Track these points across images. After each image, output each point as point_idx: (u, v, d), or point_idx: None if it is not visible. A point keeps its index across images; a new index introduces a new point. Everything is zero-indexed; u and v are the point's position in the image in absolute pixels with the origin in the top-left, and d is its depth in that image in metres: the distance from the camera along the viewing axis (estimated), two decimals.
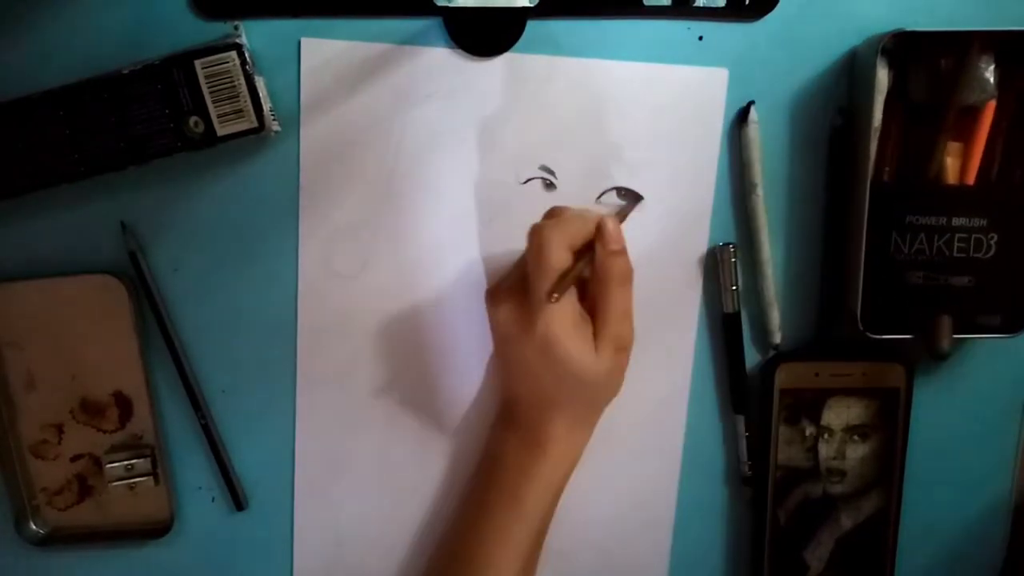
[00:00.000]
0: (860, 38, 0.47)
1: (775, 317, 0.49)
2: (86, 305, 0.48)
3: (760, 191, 0.47)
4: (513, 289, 0.44)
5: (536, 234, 0.42)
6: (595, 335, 0.42)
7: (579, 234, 0.42)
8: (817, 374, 0.48)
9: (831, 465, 0.49)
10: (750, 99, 0.47)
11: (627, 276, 0.43)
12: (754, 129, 0.47)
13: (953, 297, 0.46)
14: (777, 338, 0.49)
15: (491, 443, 0.48)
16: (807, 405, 0.49)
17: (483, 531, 0.45)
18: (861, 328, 0.46)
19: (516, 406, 0.47)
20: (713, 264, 0.49)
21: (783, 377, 0.48)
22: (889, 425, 0.49)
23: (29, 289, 0.47)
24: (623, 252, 0.43)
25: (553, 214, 0.44)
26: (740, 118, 0.47)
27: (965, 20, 0.47)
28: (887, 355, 0.49)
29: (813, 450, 0.49)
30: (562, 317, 0.41)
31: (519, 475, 0.45)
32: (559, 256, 0.41)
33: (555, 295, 0.39)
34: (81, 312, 0.48)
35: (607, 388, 0.45)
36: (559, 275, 0.40)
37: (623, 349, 0.44)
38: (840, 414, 0.49)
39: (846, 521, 0.50)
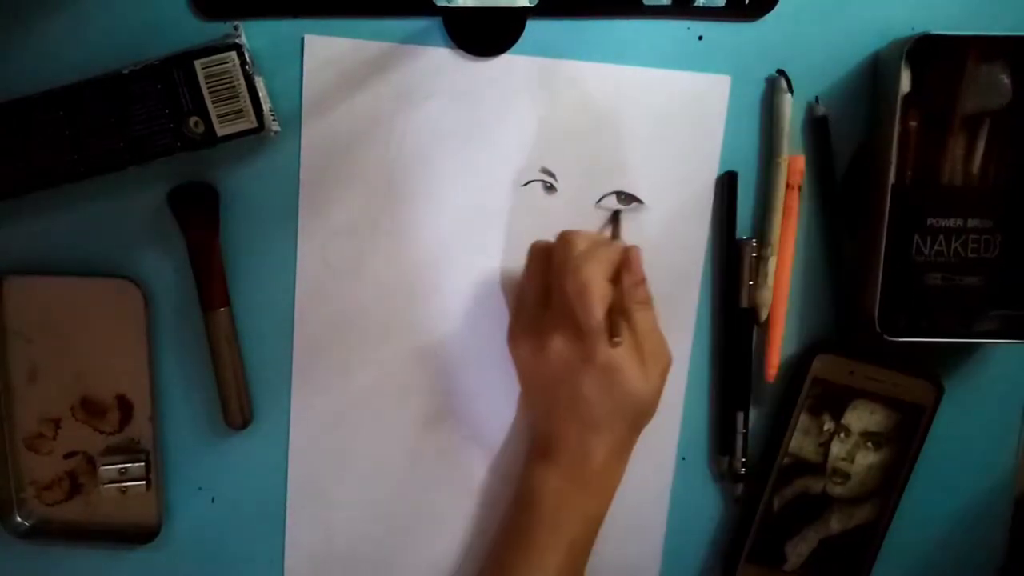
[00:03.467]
0: (861, 37, 0.47)
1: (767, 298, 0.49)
2: (101, 307, 0.48)
3: (783, 160, 0.47)
4: (546, 325, 0.45)
5: (577, 273, 0.42)
6: (640, 358, 0.43)
7: (612, 263, 0.43)
8: (852, 372, 0.48)
9: (838, 465, 0.49)
10: (749, 100, 0.47)
11: (649, 300, 0.45)
12: (785, 100, 0.47)
13: (967, 298, 0.46)
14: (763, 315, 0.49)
15: (529, 478, 0.47)
16: (833, 400, 0.49)
17: (522, 567, 0.45)
18: (878, 330, 0.45)
19: (558, 440, 0.46)
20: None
21: (819, 367, 0.48)
22: (904, 441, 0.49)
23: (46, 284, 0.48)
24: (644, 279, 0.44)
25: (568, 240, 0.44)
26: (771, 88, 0.48)
27: (970, 22, 0.47)
28: (923, 372, 0.49)
29: (825, 446, 0.49)
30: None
31: (561, 509, 0.45)
32: (603, 290, 0.42)
33: (617, 339, 0.42)
34: (94, 313, 0.48)
35: (652, 408, 0.45)
36: (608, 314, 0.41)
37: (665, 370, 0.45)
38: (862, 417, 0.49)
39: (835, 524, 0.50)
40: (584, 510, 0.45)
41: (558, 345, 0.44)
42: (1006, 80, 0.45)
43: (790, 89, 0.47)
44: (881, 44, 0.47)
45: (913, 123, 0.46)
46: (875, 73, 0.47)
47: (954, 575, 0.52)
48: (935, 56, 0.44)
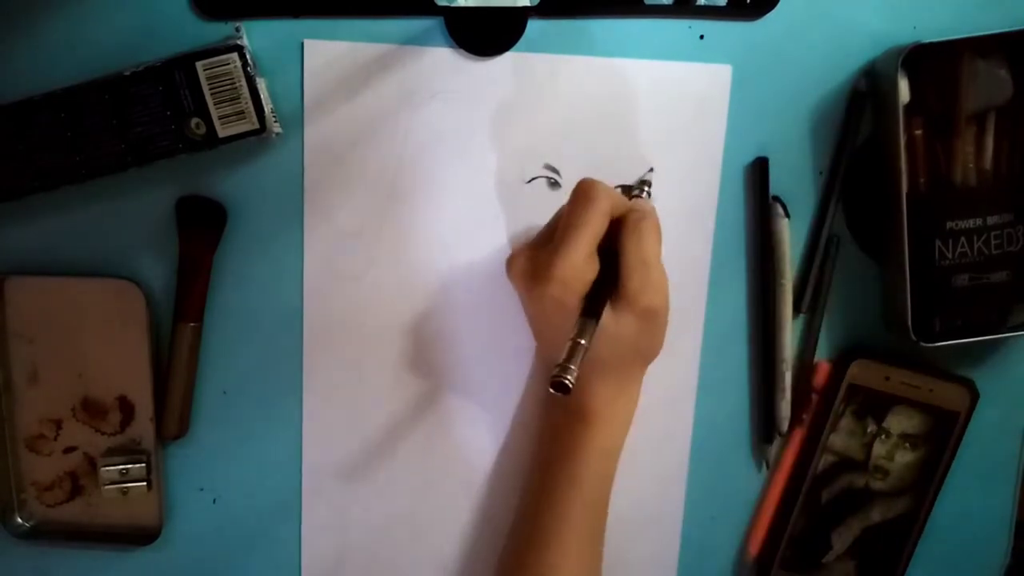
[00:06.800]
0: (863, 35, 0.47)
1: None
2: (102, 307, 0.48)
3: (787, 282, 0.49)
4: (532, 247, 0.43)
5: (585, 181, 0.42)
6: (614, 295, 0.41)
7: (619, 203, 0.42)
8: (888, 378, 0.49)
9: (879, 463, 0.51)
10: (752, 99, 0.47)
11: (646, 229, 0.42)
12: (784, 226, 0.48)
13: (998, 294, 0.47)
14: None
15: (543, 423, 0.49)
16: (877, 406, 0.50)
17: (544, 510, 0.46)
18: (914, 338, 0.46)
19: None
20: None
21: (855, 372, 0.49)
22: (939, 443, 0.50)
23: (47, 285, 0.48)
24: (650, 212, 0.43)
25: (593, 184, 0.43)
26: (764, 213, 0.48)
27: (964, 18, 0.47)
28: (958, 377, 0.50)
29: (869, 446, 0.51)
30: (575, 267, 0.40)
31: (572, 447, 0.45)
32: (604, 207, 0.41)
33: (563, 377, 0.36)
34: (96, 313, 0.48)
35: (637, 351, 0.44)
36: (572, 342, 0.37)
37: (650, 312, 0.42)
38: (901, 422, 0.50)
39: (876, 515, 0.52)
40: (595, 446, 0.45)
41: (520, 267, 0.43)
42: (1005, 75, 0.45)
43: (787, 214, 0.48)
44: (883, 43, 0.47)
45: (918, 131, 0.46)
46: (873, 82, 0.47)
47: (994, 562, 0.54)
48: (931, 61, 0.45)
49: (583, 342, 0.37)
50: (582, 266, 0.40)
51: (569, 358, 0.36)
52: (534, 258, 0.43)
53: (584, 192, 0.41)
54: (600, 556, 0.47)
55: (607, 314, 0.40)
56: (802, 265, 0.49)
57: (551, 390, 0.35)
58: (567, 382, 0.35)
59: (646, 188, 0.47)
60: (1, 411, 0.49)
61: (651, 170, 0.48)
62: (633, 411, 0.47)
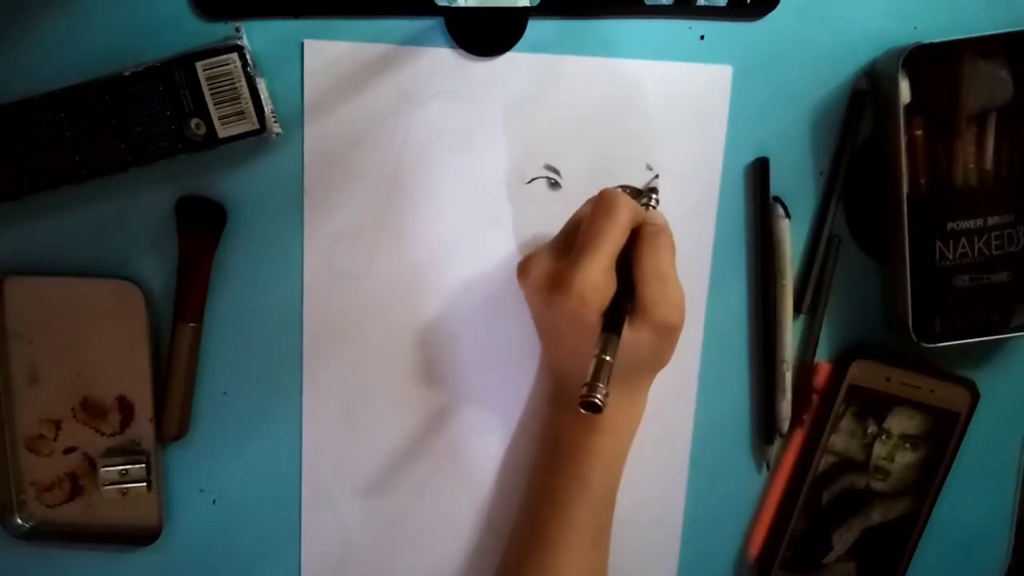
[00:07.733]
0: (863, 35, 0.47)
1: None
2: (102, 308, 0.48)
3: (788, 282, 0.49)
4: (547, 256, 0.43)
5: (607, 192, 0.42)
6: (632, 306, 0.41)
7: (636, 215, 0.42)
8: (888, 379, 0.49)
9: (880, 464, 0.51)
10: (753, 99, 0.47)
11: (662, 243, 0.42)
12: (784, 226, 0.48)
13: (998, 295, 0.47)
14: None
15: (548, 425, 0.48)
16: (877, 406, 0.50)
17: (548, 512, 0.45)
18: (915, 339, 0.46)
19: (564, 382, 0.46)
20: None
21: (855, 373, 0.49)
22: (940, 444, 0.50)
23: (47, 285, 0.48)
24: (664, 226, 0.43)
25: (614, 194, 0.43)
26: (764, 213, 0.48)
27: (965, 18, 0.47)
28: (959, 378, 0.50)
29: (869, 447, 0.51)
30: (595, 281, 0.40)
31: (579, 452, 0.45)
32: (626, 219, 0.41)
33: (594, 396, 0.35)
34: (95, 314, 0.48)
35: (649, 362, 0.44)
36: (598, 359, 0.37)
37: (665, 327, 0.42)
38: (902, 422, 0.50)
39: (876, 516, 0.52)
40: (602, 450, 0.45)
41: (536, 277, 0.43)
42: (1006, 75, 0.45)
43: (787, 214, 0.48)
44: (883, 43, 0.47)
45: (919, 131, 0.46)
46: (873, 83, 0.47)
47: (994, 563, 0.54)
48: (932, 62, 0.45)
49: (608, 358, 0.37)
50: (602, 281, 0.40)
51: (596, 376, 0.36)
52: (550, 268, 0.42)
53: (607, 203, 0.41)
54: (605, 558, 0.47)
55: (623, 327, 0.40)
56: (802, 265, 0.49)
57: (581, 410, 0.35)
58: (597, 401, 0.35)
59: (654, 196, 0.47)
60: (1, 411, 0.49)
61: (656, 176, 0.48)
62: (640, 417, 0.46)
